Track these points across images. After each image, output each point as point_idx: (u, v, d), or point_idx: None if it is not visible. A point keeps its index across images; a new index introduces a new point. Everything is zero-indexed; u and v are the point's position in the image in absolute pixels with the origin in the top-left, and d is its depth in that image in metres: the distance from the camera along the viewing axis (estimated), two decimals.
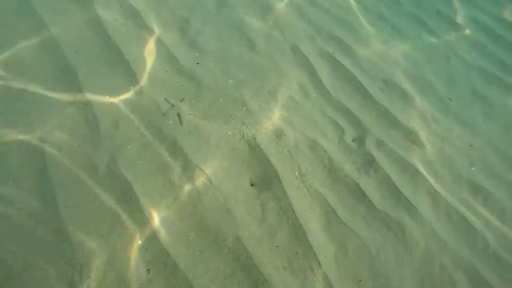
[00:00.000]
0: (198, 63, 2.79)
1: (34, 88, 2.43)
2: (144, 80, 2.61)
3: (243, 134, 2.47)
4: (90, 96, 2.46)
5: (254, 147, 2.43)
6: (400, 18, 3.68)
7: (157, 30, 2.92)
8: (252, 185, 2.31)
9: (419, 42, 3.54)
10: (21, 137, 2.22)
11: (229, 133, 2.47)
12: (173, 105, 2.50)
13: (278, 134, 2.54)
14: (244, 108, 2.60)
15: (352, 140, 2.68)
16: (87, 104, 2.42)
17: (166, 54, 2.80)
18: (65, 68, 2.55)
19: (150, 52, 2.79)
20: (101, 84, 2.53)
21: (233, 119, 2.54)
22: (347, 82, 2.99)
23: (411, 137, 2.80)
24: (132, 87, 2.56)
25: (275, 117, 2.62)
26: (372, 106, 2.89)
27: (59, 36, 2.69)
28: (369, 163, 2.57)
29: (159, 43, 2.85)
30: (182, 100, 2.54)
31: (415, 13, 3.79)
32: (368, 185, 2.47)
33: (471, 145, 2.87)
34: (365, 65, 3.17)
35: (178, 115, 2.46)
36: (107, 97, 2.48)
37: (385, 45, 3.40)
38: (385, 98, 2.98)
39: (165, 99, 2.54)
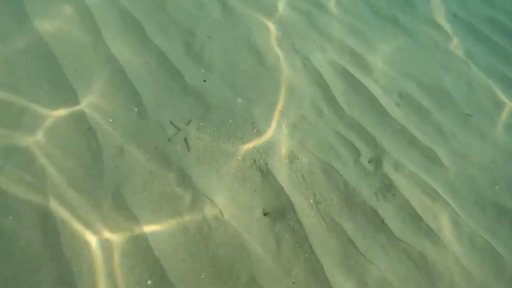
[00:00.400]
0: (205, 81, 2.64)
1: (32, 106, 2.30)
2: (148, 101, 2.47)
3: (254, 160, 2.34)
4: (91, 119, 2.32)
5: (266, 174, 2.30)
6: (415, 24, 3.50)
7: (160, 44, 2.77)
8: (265, 214, 2.19)
9: (435, 50, 3.37)
10: (22, 164, 2.10)
11: (239, 158, 2.33)
12: (179, 129, 2.36)
13: (291, 158, 2.40)
14: (255, 130, 2.46)
15: (368, 162, 2.54)
16: (89, 129, 2.29)
17: (171, 71, 2.65)
18: (63, 85, 2.41)
19: (154, 69, 2.64)
20: (102, 106, 2.39)
21: (244, 143, 2.40)
22: (361, 97, 2.84)
23: (429, 155, 2.66)
24: (136, 108, 2.42)
25: (287, 139, 2.48)
26: (388, 123, 2.75)
27: (56, 49, 2.55)
28: (387, 187, 2.43)
29: (163, 58, 2.70)
30: (189, 123, 2.40)
31: (430, 18, 3.61)
32: (387, 211, 2.34)
33: (493, 162, 2.73)
34: (379, 77, 3.02)
35: (185, 140, 2.32)
36: (110, 120, 2.35)
37: (400, 54, 3.23)
38: (401, 113, 2.83)
39: (170, 122, 2.40)
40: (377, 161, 2.55)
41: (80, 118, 2.32)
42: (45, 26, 2.67)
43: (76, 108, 2.35)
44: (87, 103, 2.38)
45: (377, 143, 2.63)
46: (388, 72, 3.07)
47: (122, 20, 2.86)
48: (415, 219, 2.34)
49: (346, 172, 2.44)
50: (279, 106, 2.63)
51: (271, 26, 3.09)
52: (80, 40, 2.67)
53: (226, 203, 2.16)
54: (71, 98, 2.39)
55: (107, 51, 2.64)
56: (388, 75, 3.05)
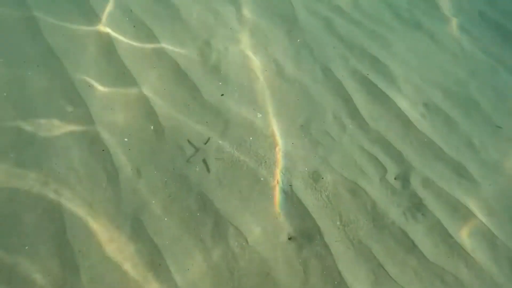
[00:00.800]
0: (222, 95, 2.53)
1: (44, 127, 2.21)
2: (164, 118, 2.36)
3: (277, 180, 2.23)
4: (106, 137, 2.22)
5: (290, 196, 2.19)
6: (439, 26, 3.34)
7: (175, 55, 2.65)
8: (290, 238, 2.08)
9: (461, 54, 3.21)
10: (36, 190, 2.01)
11: (262, 179, 2.23)
12: (197, 149, 2.25)
13: (316, 177, 2.29)
14: (277, 147, 2.35)
15: (395, 178, 2.42)
16: (104, 150, 2.19)
17: (187, 85, 2.54)
18: (76, 102, 2.31)
19: (170, 83, 2.53)
20: (117, 125, 2.29)
21: (265, 161, 2.29)
22: (385, 108, 2.71)
23: (459, 170, 2.53)
24: (152, 126, 2.32)
25: (310, 157, 2.37)
26: (414, 136, 2.61)
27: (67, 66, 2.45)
28: (416, 206, 2.31)
29: (179, 71, 2.59)
30: (207, 141, 2.29)
31: (455, 20, 3.44)
32: (417, 232, 2.22)
33: None
34: (403, 86, 2.87)
35: (204, 161, 2.22)
36: (126, 140, 2.25)
37: (423, 59, 3.08)
38: (427, 125, 2.69)
39: (188, 141, 2.30)
40: (404, 178, 2.43)
41: (94, 138, 2.22)
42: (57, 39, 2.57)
43: (90, 128, 2.25)
44: (101, 121, 2.28)
45: (403, 158, 2.51)
46: (412, 80, 2.92)
47: (134, 30, 2.75)
48: (447, 240, 2.22)
49: (372, 191, 2.33)
50: (301, 120, 2.51)
51: (290, 33, 2.96)
52: (90, 49, 2.57)
53: (250, 228, 2.06)
54: (84, 115, 2.29)
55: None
56: (412, 83, 2.90)
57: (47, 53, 2.49)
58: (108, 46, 2.60)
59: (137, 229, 1.97)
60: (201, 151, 2.26)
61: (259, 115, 2.47)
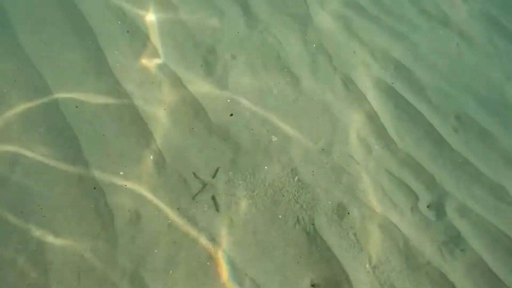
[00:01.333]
0: (231, 114, 2.21)
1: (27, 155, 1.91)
2: (165, 147, 2.06)
3: (297, 218, 1.94)
4: (98, 175, 1.92)
5: (313, 236, 1.91)
6: (469, 22, 2.98)
7: (176, 69, 2.31)
8: (313, 285, 1.82)
9: (494, 53, 2.86)
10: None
11: (280, 217, 1.94)
12: (205, 184, 1.96)
13: (341, 212, 2.01)
14: (296, 178, 2.05)
15: (428, 207, 2.14)
16: (96, 188, 1.90)
17: (191, 104, 2.21)
18: (64, 133, 2.00)
19: (171, 103, 2.20)
20: (108, 155, 1.98)
21: (283, 195, 2.00)
22: (414, 124, 2.40)
23: (499, 193, 2.24)
24: (151, 156, 2.02)
25: (334, 187, 2.08)
26: (447, 156, 2.32)
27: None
28: (454, 240, 2.04)
29: (181, 88, 2.26)
30: (216, 173, 2.00)
31: (486, 12, 3.07)
32: (456, 272, 1.96)
33: None
34: (431, 95, 2.55)
35: (213, 198, 1.93)
36: (121, 173, 1.95)
37: (452, 62, 2.74)
38: (460, 141, 2.39)
39: (194, 174, 2.00)
40: (438, 206, 2.15)
41: (84, 175, 1.92)
42: None
43: (80, 168, 1.95)
44: (90, 151, 1.97)
45: (436, 182, 2.22)
46: (441, 87, 2.60)
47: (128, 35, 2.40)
48: (491, 280, 1.96)
49: (404, 224, 2.05)
50: (321, 143, 2.20)
51: (304, 37, 2.60)
52: (81, 63, 2.23)
53: (269, 278, 1.79)
54: (72, 154, 1.98)
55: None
56: (442, 91, 2.58)
57: None
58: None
59: (137, 286, 1.70)
60: (209, 187, 1.96)
61: (274, 138, 2.17)
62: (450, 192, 2.20)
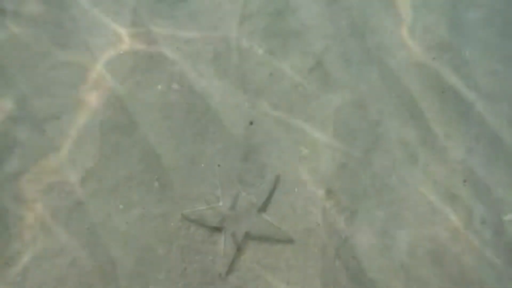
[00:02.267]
0: (251, 123, 1.81)
1: None
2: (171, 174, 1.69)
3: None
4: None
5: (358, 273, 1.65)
6: None
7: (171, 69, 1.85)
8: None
9: None
10: None
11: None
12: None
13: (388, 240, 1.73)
14: (332, 201, 1.73)
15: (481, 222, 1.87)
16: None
17: (199, 111, 1.80)
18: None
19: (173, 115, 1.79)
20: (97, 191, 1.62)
21: (316, 227, 1.69)
22: (462, 116, 2.04)
23: None
24: (156, 183, 1.66)
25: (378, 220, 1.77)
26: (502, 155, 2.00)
27: None
28: None
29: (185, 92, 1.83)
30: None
31: None
32: None
33: None
34: (479, 77, 2.15)
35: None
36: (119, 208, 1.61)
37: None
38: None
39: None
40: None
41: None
42: None
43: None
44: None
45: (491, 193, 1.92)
46: (486, 66, 2.19)
47: None
48: None
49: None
50: (358, 152, 1.85)
51: (329, 7, 2.10)
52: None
53: None
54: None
55: None
56: (487, 69, 2.18)
57: None
58: None
59: None
60: None
61: (305, 151, 1.80)
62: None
